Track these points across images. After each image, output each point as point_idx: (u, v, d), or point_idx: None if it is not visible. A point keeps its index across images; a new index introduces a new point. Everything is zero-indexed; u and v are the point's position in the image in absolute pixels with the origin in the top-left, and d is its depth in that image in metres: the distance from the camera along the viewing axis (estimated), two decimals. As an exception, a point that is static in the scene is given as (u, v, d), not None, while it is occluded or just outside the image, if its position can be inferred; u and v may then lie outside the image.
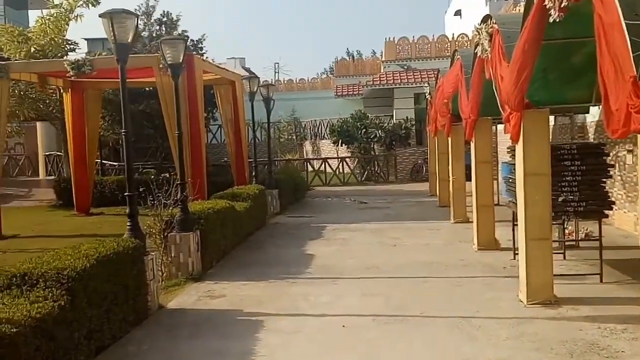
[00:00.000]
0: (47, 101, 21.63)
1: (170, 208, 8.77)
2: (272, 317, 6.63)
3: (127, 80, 17.60)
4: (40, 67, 15.70)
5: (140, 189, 8.63)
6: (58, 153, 25.24)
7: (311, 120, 33.63)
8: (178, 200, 8.68)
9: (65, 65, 14.43)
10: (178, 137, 9.20)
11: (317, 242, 11.37)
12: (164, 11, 24.03)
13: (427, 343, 5.70)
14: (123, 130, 6.98)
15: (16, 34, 20.52)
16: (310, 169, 25.55)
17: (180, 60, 8.92)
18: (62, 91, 18.40)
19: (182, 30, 23.71)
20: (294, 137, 33.84)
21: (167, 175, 9.08)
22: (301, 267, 9.13)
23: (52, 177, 24.45)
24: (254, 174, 15.82)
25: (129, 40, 6.57)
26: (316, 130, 33.31)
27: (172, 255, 8.49)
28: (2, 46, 20.82)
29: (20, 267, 5.00)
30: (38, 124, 26.06)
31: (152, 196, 8.69)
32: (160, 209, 8.70)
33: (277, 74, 50.27)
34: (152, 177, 8.86)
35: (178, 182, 8.82)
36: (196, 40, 24.12)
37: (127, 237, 6.68)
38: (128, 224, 6.84)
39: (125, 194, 6.99)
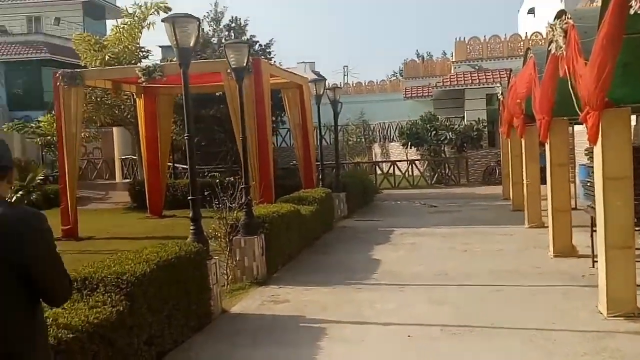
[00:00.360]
0: (122, 107, 22.29)
1: (235, 211, 8.74)
2: (336, 325, 6.45)
3: (198, 85, 17.99)
4: (113, 74, 16.14)
5: (206, 193, 8.67)
6: (133, 157, 25.94)
7: (380, 123, 33.32)
8: (243, 203, 8.64)
9: (137, 72, 14.75)
10: (242, 141, 9.14)
11: (385, 247, 11.12)
12: (232, 17, 24.33)
13: (499, 357, 5.38)
14: (186, 135, 6.97)
15: (92, 43, 21.27)
16: (379, 171, 25.25)
17: (245, 64, 8.89)
18: (135, 97, 18.83)
19: (250, 35, 23.93)
20: (363, 140, 33.60)
21: (232, 179, 8.94)
22: (367, 273, 8.92)
23: (128, 180, 25.15)
24: (320, 177, 15.70)
25: (191, 45, 6.56)
26: (385, 133, 32.97)
27: (237, 258, 8.46)
28: (80, 54, 21.62)
29: (82, 271, 5.01)
30: (114, 129, 26.87)
31: (217, 199, 8.70)
32: (226, 213, 8.69)
33: (346, 77, 50.23)
34: (217, 180, 8.78)
35: (243, 186, 8.77)
36: (264, 45, 24.28)
37: (190, 241, 6.65)
38: (191, 227, 6.82)
39: (189, 197, 6.97)
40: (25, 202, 22.49)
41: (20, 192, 22.79)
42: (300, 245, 10.61)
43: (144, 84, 15.57)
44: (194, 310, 6.09)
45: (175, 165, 24.18)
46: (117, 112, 22.59)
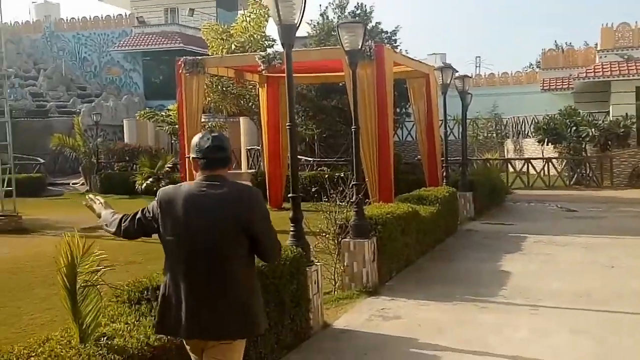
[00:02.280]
0: (247, 97, 22.22)
1: (346, 211, 7.92)
2: (453, 354, 5.46)
3: (320, 75, 17.32)
4: (233, 62, 15.85)
5: (313, 189, 7.94)
6: (257, 147, 25.93)
7: (513, 117, 31.21)
8: (353, 202, 7.80)
9: (257, 59, 14.33)
10: (354, 132, 8.29)
11: (515, 257, 9.86)
12: (358, 3, 23.48)
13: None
14: (288, 124, 6.23)
15: (220, 32, 21.29)
16: (510, 169, 23.48)
17: (359, 47, 8.01)
18: (258, 86, 18.56)
19: (376, 23, 23.01)
20: (494, 135, 31.63)
21: (343, 175, 8.09)
22: (494, 288, 7.78)
23: (252, 171, 25.17)
24: (445, 174, 14.53)
25: (296, 22, 5.79)
26: (519, 128, 30.82)
27: (345, 263, 7.64)
28: (208, 43, 21.77)
29: (155, 278, 4.39)
30: (241, 119, 26.99)
31: (326, 196, 7.94)
32: (335, 211, 7.89)
33: (478, 68, 47.98)
34: (326, 176, 7.99)
35: (353, 183, 7.92)
36: (390, 32, 23.26)
37: (288, 244, 5.90)
38: (291, 229, 6.07)
39: (289, 195, 6.23)
40: (155, 189, 23.12)
41: (150, 179, 23.42)
42: (418, 251, 9.61)
43: (264, 72, 15.06)
44: (288, 326, 5.34)
45: (300, 157, 23.85)
46: (242, 102, 22.59)
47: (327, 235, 7.86)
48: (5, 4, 36.53)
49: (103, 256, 3.59)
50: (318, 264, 6.33)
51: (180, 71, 14.95)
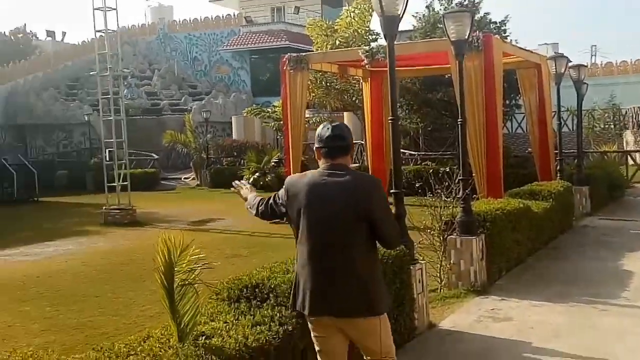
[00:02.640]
0: (351, 92, 22.15)
1: (451, 206, 7.61)
2: (571, 361, 5.07)
3: (425, 67, 16.93)
4: (337, 57, 15.78)
5: (417, 185, 7.71)
6: (361, 142, 25.82)
7: (634, 107, 29.19)
8: (460, 198, 7.47)
9: (360, 54, 14.19)
10: (461, 125, 7.95)
11: (638, 255, 9.15)
12: (465, -7, 22.73)
13: None
14: (390, 117, 6.02)
15: (324, 28, 21.33)
16: (630, 162, 21.97)
17: (466, 37, 7.67)
18: (361, 81, 18.41)
19: (485, 13, 22.19)
20: (612, 127, 29.75)
21: (448, 169, 7.77)
22: (615, 289, 7.22)
23: (356, 165, 25.09)
24: (559, 168, 13.76)
25: (399, 13, 5.57)
26: (639, 119, 28.81)
27: (452, 261, 7.34)
28: (313, 40, 21.88)
29: (255, 275, 4.33)
30: (345, 114, 26.97)
31: (431, 191, 7.67)
32: (440, 207, 7.61)
33: (593, 57, 45.35)
34: (431, 170, 7.70)
35: (460, 178, 7.59)
36: (499, 22, 22.37)
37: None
38: (395, 225, 5.86)
39: (391, 191, 6.02)
40: (261, 183, 23.60)
41: (257, 174, 23.90)
42: (530, 248, 9.10)
43: (368, 66, 14.89)
44: (391, 326, 5.14)
45: (403, 151, 23.50)
46: (346, 97, 22.54)
47: (432, 232, 7.59)
48: (122, 9, 38.51)
49: (201, 255, 3.54)
50: (422, 262, 6.09)
51: (284, 68, 15.07)
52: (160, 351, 3.20)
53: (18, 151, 27.00)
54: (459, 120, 7.88)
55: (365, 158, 23.96)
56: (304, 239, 3.43)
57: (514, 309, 6.58)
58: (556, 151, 14.65)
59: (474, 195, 9.46)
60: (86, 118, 28.57)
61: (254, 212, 3.88)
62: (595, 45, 50.66)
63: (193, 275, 3.50)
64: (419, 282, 5.84)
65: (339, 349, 3.49)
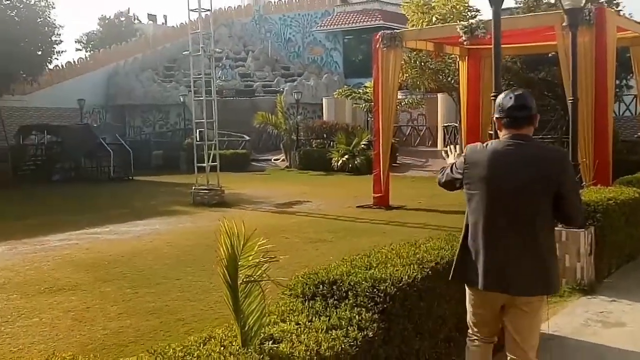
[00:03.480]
0: (446, 71, 21.26)
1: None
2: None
3: (527, 45, 15.83)
4: (432, 34, 14.98)
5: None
6: (455, 124, 24.84)
7: None
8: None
9: (458, 29, 13.35)
10: (572, 104, 7.15)
11: None
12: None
13: None
14: (493, 94, 5.37)
15: (420, 5, 20.51)
16: None
17: (582, 4, 6.84)
18: (458, 59, 17.53)
19: (595, -16, 20.59)
20: None
21: None
22: None
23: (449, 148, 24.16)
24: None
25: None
26: None
27: (555, 256, 6.60)
28: (409, 17, 21.10)
29: (333, 270, 3.84)
30: (439, 95, 26.05)
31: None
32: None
33: None
34: None
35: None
36: (612, -5, 20.75)
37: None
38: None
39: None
40: (350, 165, 23.23)
41: (346, 156, 23.52)
42: (645, 243, 8.17)
43: (466, 44, 14.03)
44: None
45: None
46: (440, 77, 21.66)
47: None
48: (218, -10, 38.95)
49: (268, 245, 3.09)
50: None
51: (377, 46, 14.48)
52: (220, 357, 2.80)
53: (116, 131, 27.85)
54: (570, 99, 7.05)
55: (458, 141, 23.02)
56: (481, 210, 3.35)
57: (627, 313, 5.80)
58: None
59: (582, 183, 8.57)
60: (181, 99, 29.07)
61: (440, 180, 3.86)
62: None
63: (260, 271, 3.04)
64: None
65: (494, 324, 3.52)
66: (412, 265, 3.94)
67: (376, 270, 3.82)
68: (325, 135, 25.83)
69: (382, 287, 3.56)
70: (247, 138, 28.06)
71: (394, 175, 21.49)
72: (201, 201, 15.30)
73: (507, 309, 3.39)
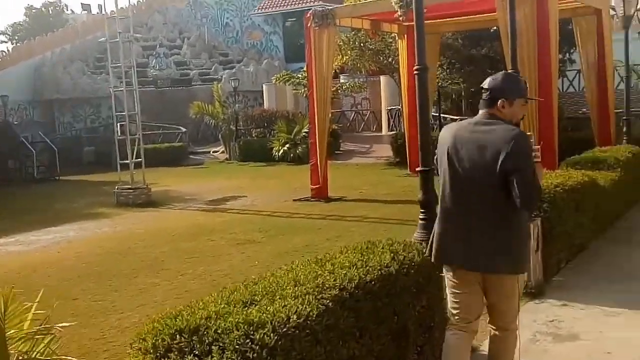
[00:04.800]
0: (387, 52, 20.39)
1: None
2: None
3: (467, 19, 15.00)
4: (367, 10, 14.01)
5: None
6: (399, 108, 24.09)
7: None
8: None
9: (392, 4, 12.46)
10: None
11: None
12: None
13: None
14: (416, 67, 4.45)
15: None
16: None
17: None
18: (397, 38, 16.69)
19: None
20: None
21: None
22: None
23: (393, 133, 23.43)
24: (625, 130, 11.90)
25: None
26: None
27: (498, 255, 5.77)
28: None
29: (198, 313, 2.83)
30: (382, 77, 25.25)
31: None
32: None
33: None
34: None
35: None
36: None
37: (416, 239, 4.21)
38: (420, 216, 4.34)
39: (417, 169, 4.51)
40: (292, 155, 22.22)
41: (287, 145, 22.49)
42: (594, 230, 7.43)
43: (402, 19, 13.12)
44: (412, 361, 3.68)
45: (444, 116, 21.67)
46: (381, 58, 20.79)
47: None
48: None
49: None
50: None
51: (308, 25, 13.50)
52: None
53: (41, 128, 26.13)
54: (510, 70, 6.20)
55: (402, 125, 22.28)
56: (442, 188, 3.47)
57: (581, 320, 5.02)
58: (619, 111, 12.77)
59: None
60: (111, 91, 27.47)
61: None
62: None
63: (42, 345, 2.04)
64: (453, 293, 4.32)
65: (473, 305, 3.52)
66: (307, 296, 2.99)
67: (257, 308, 2.84)
68: (265, 124, 24.73)
69: (258, 336, 2.60)
70: (184, 130, 26.72)
71: (337, 163, 20.68)
72: (125, 201, 14.08)
73: (483, 285, 3.45)
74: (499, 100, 3.37)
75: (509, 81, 3.48)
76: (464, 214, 3.38)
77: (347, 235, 9.65)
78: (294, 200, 13.59)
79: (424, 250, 3.97)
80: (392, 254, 3.70)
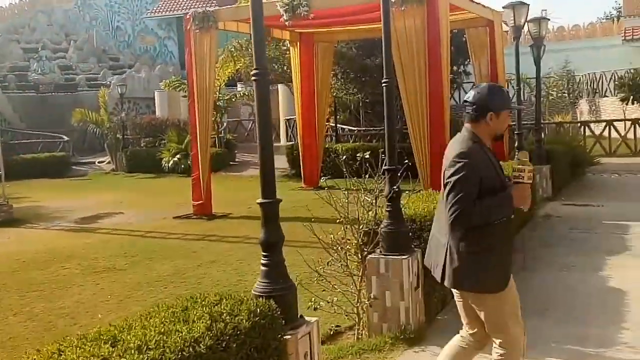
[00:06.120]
0: (281, 60, 19.55)
1: (375, 208, 5.22)
2: None
3: (360, 28, 14.38)
4: (249, 13, 13.00)
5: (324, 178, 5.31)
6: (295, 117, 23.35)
7: (588, 74, 27.41)
8: (387, 196, 5.08)
9: (278, 7, 11.62)
10: (386, 88, 5.61)
11: (624, 261, 7.00)
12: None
13: None
14: (254, 70, 3.48)
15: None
16: (587, 133, 20.11)
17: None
18: (289, 45, 15.90)
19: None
20: (566, 95, 27.87)
21: (366, 155, 5.20)
22: (609, 325, 4.98)
23: (291, 143, 22.63)
24: (516, 145, 11.59)
25: None
26: (594, 86, 27.03)
27: (373, 294, 4.95)
28: (237, -2, 19.20)
29: None
30: (279, 86, 24.41)
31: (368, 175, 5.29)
32: (358, 210, 5.20)
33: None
34: (366, 154, 5.16)
35: (385, 168, 5.16)
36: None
37: (255, 292, 3.29)
38: (263, 261, 3.42)
39: (258, 200, 3.61)
40: (182, 166, 20.90)
41: (178, 156, 21.17)
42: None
43: (288, 24, 12.26)
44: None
45: (343, 127, 21.07)
46: (276, 66, 19.92)
47: (344, 247, 5.18)
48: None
49: None
50: (313, 321, 3.63)
51: (188, 27, 12.49)
52: None
53: None
54: (384, 80, 5.50)
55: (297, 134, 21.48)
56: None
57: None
58: (512, 123, 12.45)
59: (420, 190, 7.06)
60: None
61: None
62: (546, 10, 48.71)
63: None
64: (305, 356, 3.43)
65: (470, 318, 3.51)
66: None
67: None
68: (155, 133, 23.28)
69: None
70: (66, 139, 24.80)
71: (231, 175, 19.63)
72: (-19, 220, 12.45)
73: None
74: (488, 114, 3.31)
75: (494, 93, 3.37)
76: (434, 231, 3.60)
77: (223, 260, 8.70)
78: (174, 217, 12.46)
79: (265, 307, 3.06)
80: (209, 321, 2.75)
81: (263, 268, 3.39)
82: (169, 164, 21.04)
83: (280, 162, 20.79)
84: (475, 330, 3.51)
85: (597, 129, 20.62)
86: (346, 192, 5.20)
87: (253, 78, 3.44)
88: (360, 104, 20.74)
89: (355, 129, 20.96)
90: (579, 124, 21.60)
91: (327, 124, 18.31)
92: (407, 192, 5.68)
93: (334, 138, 19.92)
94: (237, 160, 22.42)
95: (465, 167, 3.20)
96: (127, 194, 16.84)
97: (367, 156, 5.14)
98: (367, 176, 5.28)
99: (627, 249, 7.56)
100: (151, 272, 8.26)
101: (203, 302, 3.04)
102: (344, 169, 5.31)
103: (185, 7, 32.60)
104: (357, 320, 5.08)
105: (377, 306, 4.93)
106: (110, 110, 25.82)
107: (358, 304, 5.06)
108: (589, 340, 4.70)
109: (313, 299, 4.96)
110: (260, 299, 3.21)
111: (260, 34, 3.49)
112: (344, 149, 16.79)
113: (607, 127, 19.75)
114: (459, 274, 3.32)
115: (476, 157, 3.25)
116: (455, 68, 19.65)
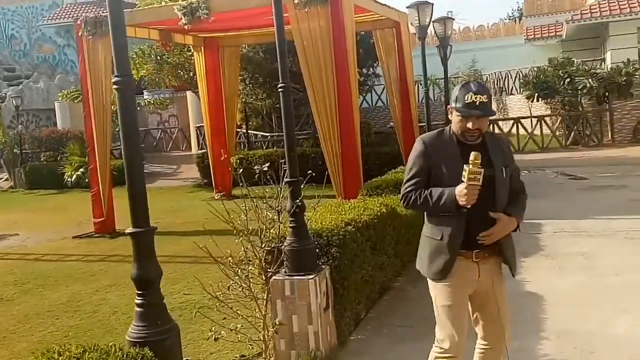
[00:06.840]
0: (187, 65, 18.82)
1: (278, 225, 4.77)
2: None
3: (266, 31, 13.96)
4: (148, 17, 12.31)
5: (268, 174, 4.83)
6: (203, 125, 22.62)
7: (494, 73, 28.09)
8: (289, 211, 4.64)
9: (176, 11, 11.01)
10: (283, 93, 5.20)
11: (537, 263, 6.86)
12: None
13: None
14: (281, 85, 3.00)
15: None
16: (497, 131, 20.49)
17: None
18: (193, 50, 15.25)
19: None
20: (474, 94, 28.40)
21: (264, 166, 4.73)
22: (528, 335, 4.72)
23: (202, 151, 21.90)
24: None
25: None
26: (501, 84, 27.74)
27: (278, 319, 4.49)
28: (138, 1, 18.34)
29: None
30: (188, 93, 23.63)
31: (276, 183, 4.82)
32: (262, 226, 4.72)
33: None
34: (264, 166, 4.67)
35: (287, 180, 4.72)
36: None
37: (129, 338, 2.77)
38: (137, 300, 2.91)
39: (128, 230, 3.08)
40: (86, 180, 19.76)
41: (81, 170, 20.01)
42: (397, 267, 6.46)
43: (187, 27, 11.61)
44: None
45: (255, 133, 20.55)
46: (181, 72, 19.17)
47: (245, 267, 4.69)
48: None
49: None
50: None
51: (80, 34, 11.69)
52: None
53: None
54: (280, 84, 5.07)
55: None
56: None
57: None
58: (422, 124, 12.40)
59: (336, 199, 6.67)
60: None
61: None
62: (452, 11, 49.97)
63: None
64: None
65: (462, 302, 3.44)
66: None
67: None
68: (56, 147, 21.96)
69: None
70: (-49, 156, 23.06)
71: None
72: None
73: None
74: (449, 107, 3.32)
75: (457, 89, 3.27)
76: None
77: (123, 283, 7.98)
78: (74, 237, 11.60)
79: (138, 358, 2.55)
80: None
81: (137, 309, 2.88)
82: (72, 179, 19.89)
83: (192, 172, 20.11)
84: (482, 333, 3.53)
85: (506, 126, 21.08)
86: (246, 208, 4.71)
87: (114, 87, 2.91)
88: (272, 109, 20.30)
89: (269, 134, 20.50)
90: (488, 123, 21.97)
91: (238, 130, 17.77)
92: (317, 196, 5.22)
93: (246, 145, 19.40)
94: (146, 171, 21.43)
95: (414, 152, 3.34)
96: (24, 214, 15.70)
97: (266, 168, 4.68)
98: (266, 190, 4.83)
99: (540, 249, 7.45)
100: (42, 301, 7.50)
101: (61, 358, 2.50)
102: (252, 179, 4.81)
103: (84, 13, 31.20)
104: (263, 347, 4.61)
105: (284, 332, 4.48)
106: (7, 124, 24.22)
107: (264, 330, 4.59)
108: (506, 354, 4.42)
109: (213, 327, 4.46)
110: (134, 347, 2.69)
111: (120, 40, 2.95)
112: (257, 155, 16.32)
113: (515, 125, 20.22)
114: (420, 259, 3.46)
115: (432, 145, 3.28)
116: (365, 70, 19.57)
